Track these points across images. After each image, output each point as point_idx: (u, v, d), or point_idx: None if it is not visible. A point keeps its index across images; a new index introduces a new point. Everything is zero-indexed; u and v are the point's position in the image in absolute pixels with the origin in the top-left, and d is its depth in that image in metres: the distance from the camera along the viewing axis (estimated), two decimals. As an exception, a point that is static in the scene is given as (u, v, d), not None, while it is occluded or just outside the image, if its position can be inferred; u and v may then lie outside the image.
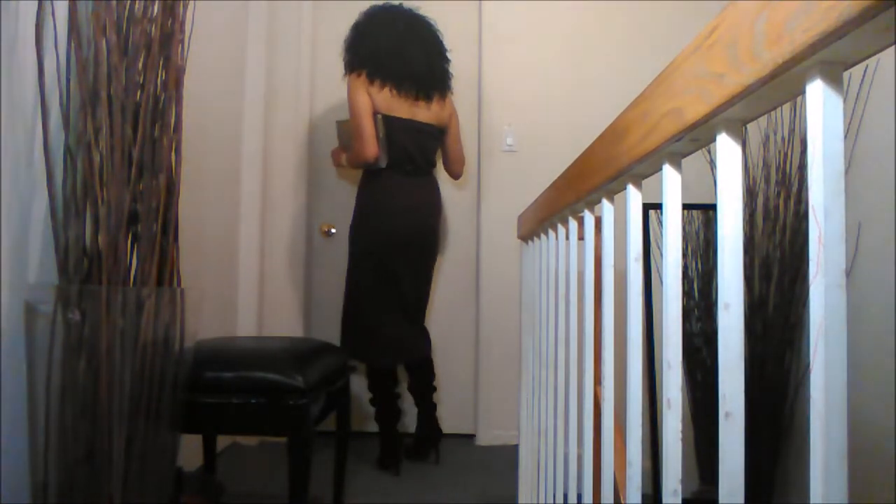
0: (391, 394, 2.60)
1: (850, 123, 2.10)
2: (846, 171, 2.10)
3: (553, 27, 3.11)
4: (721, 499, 0.48)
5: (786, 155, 2.44)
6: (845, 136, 0.83)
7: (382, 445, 2.60)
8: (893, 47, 1.16)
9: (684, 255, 2.54)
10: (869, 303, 1.95)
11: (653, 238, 2.64)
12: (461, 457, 2.77)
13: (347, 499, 2.18)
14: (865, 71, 2.06)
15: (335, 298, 3.09)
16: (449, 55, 2.66)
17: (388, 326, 2.53)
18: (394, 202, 2.52)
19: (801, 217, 2.35)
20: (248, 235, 2.95)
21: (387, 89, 2.49)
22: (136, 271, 1.37)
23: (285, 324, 3.06)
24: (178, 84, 1.46)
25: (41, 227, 1.42)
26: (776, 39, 0.37)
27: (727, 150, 0.49)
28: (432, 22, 2.63)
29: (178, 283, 1.47)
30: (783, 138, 2.49)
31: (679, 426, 0.56)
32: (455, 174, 2.82)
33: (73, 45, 1.38)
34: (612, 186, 0.78)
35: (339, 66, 2.81)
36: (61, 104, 1.40)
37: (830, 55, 0.35)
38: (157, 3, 1.43)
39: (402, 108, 2.52)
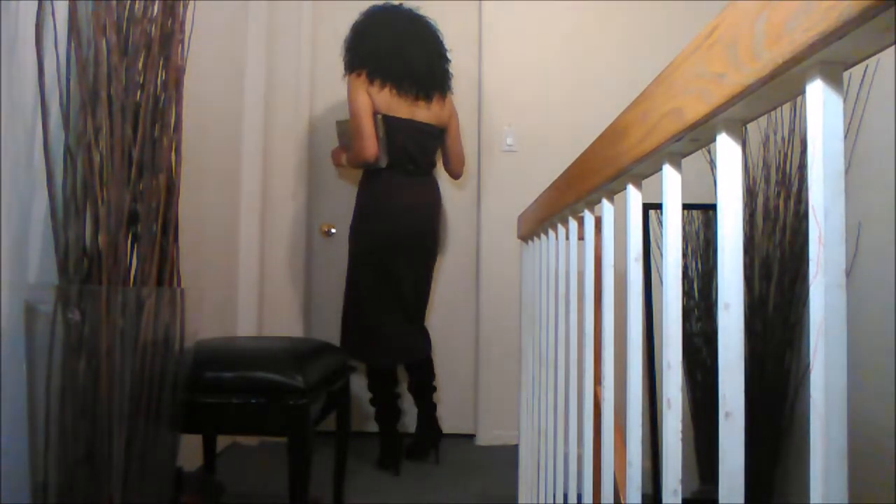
0: (391, 394, 2.60)
1: (850, 123, 2.10)
2: (846, 171, 2.10)
3: (553, 27, 3.11)
4: (721, 499, 0.48)
5: (786, 155, 2.44)
6: (845, 136, 0.83)
7: (382, 445, 2.60)
8: (893, 47, 1.16)
9: (684, 255, 2.54)
10: (869, 303, 1.95)
11: (653, 238, 2.64)
12: (461, 457, 2.77)
13: (347, 499, 2.18)
14: (865, 71, 2.06)
15: (335, 298, 3.09)
16: (449, 55, 2.66)
17: (388, 326, 2.53)
18: (394, 202, 2.52)
19: (801, 217, 2.35)
20: (248, 235, 2.95)
21: (387, 89, 2.49)
22: (136, 271, 1.37)
23: (285, 324, 3.06)
24: (178, 84, 1.46)
25: (41, 227, 1.42)
26: (776, 39, 0.37)
27: (727, 150, 0.49)
28: (432, 22, 2.63)
29: (178, 283, 1.47)
30: (783, 138, 2.49)
31: (679, 426, 0.56)
32: (455, 174, 2.82)
33: (73, 45, 1.38)
34: (612, 186, 0.78)
35: (338, 66, 2.81)
36: (61, 104, 1.40)
37: (830, 55, 0.35)
38: (157, 3, 1.43)
39: (402, 108, 2.52)
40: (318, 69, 3.20)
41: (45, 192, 1.38)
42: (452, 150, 2.74)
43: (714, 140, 0.51)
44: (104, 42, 1.36)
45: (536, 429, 1.38)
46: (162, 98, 1.43)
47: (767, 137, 2.64)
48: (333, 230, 3.15)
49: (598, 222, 1.14)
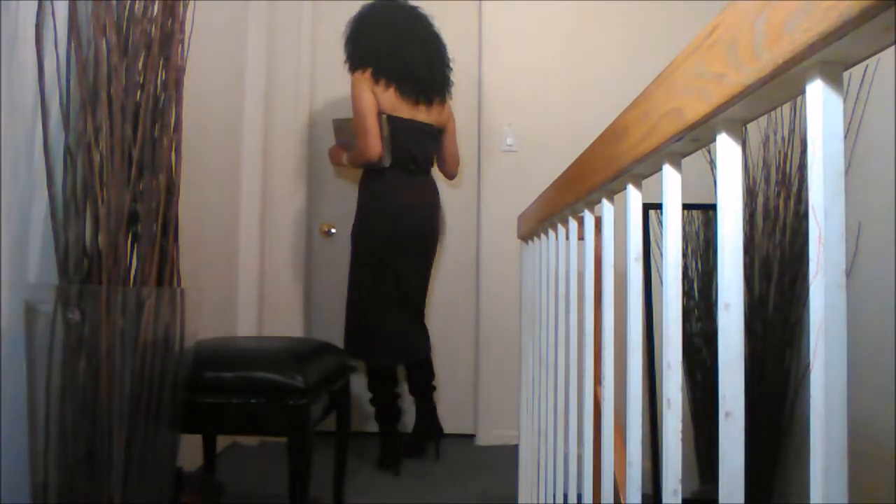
0: (391, 394, 2.60)
1: (850, 123, 2.10)
2: (846, 171, 2.10)
3: (553, 27, 3.11)
4: (721, 499, 0.48)
5: (786, 155, 2.44)
6: (845, 136, 0.83)
7: (382, 445, 2.60)
8: (893, 47, 1.16)
9: (684, 255, 2.54)
10: (869, 303, 1.95)
11: (653, 238, 2.64)
12: (461, 457, 2.77)
13: (347, 499, 2.18)
14: (865, 71, 2.06)
15: (335, 298, 3.09)
16: (450, 57, 2.66)
17: (390, 326, 2.53)
18: (397, 202, 2.52)
19: (801, 217, 2.35)
20: (248, 235, 2.95)
21: (392, 89, 2.49)
22: (136, 271, 1.37)
23: (285, 324, 3.06)
24: (178, 84, 1.46)
25: (41, 227, 1.42)
26: (776, 39, 0.37)
27: (727, 150, 0.49)
28: (430, 18, 2.63)
29: (178, 283, 1.47)
30: (783, 138, 2.49)
31: (679, 426, 0.56)
32: (450, 175, 2.82)
33: (73, 45, 1.38)
34: (612, 186, 0.78)
35: (338, 66, 2.81)
36: (61, 104, 1.40)
37: (830, 55, 0.35)
38: (157, 3, 1.43)
39: (405, 109, 2.52)
40: (318, 69, 3.20)
41: (45, 192, 1.38)
42: (449, 151, 2.75)
43: (714, 140, 0.51)
44: (104, 42, 1.36)
45: (536, 429, 1.38)
46: (162, 98, 1.43)
47: (767, 137, 2.64)
48: (333, 230, 3.15)
49: (598, 222, 1.14)
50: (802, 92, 0.39)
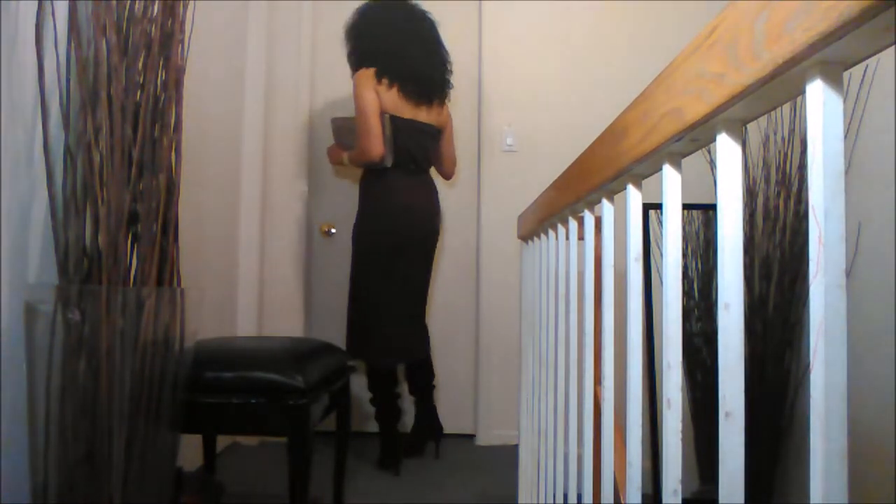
0: (391, 394, 2.60)
1: (850, 123, 2.10)
2: (846, 171, 2.10)
3: (553, 27, 3.11)
4: (721, 499, 0.48)
5: (786, 155, 2.44)
6: (845, 136, 0.83)
7: (382, 445, 2.60)
8: (893, 47, 1.16)
9: (684, 255, 2.54)
10: (869, 303, 1.95)
11: (653, 238, 2.64)
12: (461, 457, 2.77)
13: (347, 499, 2.18)
14: (865, 71, 2.06)
15: (335, 298, 3.09)
16: (450, 59, 2.66)
17: (391, 326, 2.53)
18: (399, 201, 2.52)
19: (801, 217, 2.35)
20: (248, 235, 2.95)
21: (395, 89, 2.49)
22: (136, 271, 1.37)
23: (285, 324, 3.06)
24: (178, 84, 1.46)
25: (41, 227, 1.42)
26: (776, 39, 0.37)
27: (727, 150, 0.49)
28: (434, 20, 2.63)
29: (178, 283, 1.47)
30: (783, 138, 2.49)
31: (679, 426, 0.56)
32: (447, 175, 2.83)
33: (73, 45, 1.38)
34: (612, 186, 0.78)
35: (338, 66, 2.81)
36: (61, 104, 1.40)
37: (830, 55, 0.35)
38: (157, 3, 1.43)
39: (407, 109, 2.52)
40: (318, 69, 3.20)
41: (45, 192, 1.38)
42: (446, 151, 2.75)
43: (714, 140, 0.51)
44: (104, 42, 1.36)
45: (536, 429, 1.38)
46: (162, 98, 1.43)
47: (767, 137, 2.64)
48: (333, 230, 3.15)
49: (598, 222, 1.14)
50: (802, 92, 0.39)
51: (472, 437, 3.06)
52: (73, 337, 1.26)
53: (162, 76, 1.43)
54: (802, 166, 2.38)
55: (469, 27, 3.17)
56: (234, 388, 1.56)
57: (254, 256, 2.97)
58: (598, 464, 1.36)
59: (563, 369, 1.10)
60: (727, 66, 0.43)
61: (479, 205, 3.11)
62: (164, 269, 1.42)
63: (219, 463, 2.55)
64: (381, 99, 2.47)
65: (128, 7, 1.40)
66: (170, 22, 1.44)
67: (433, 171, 2.80)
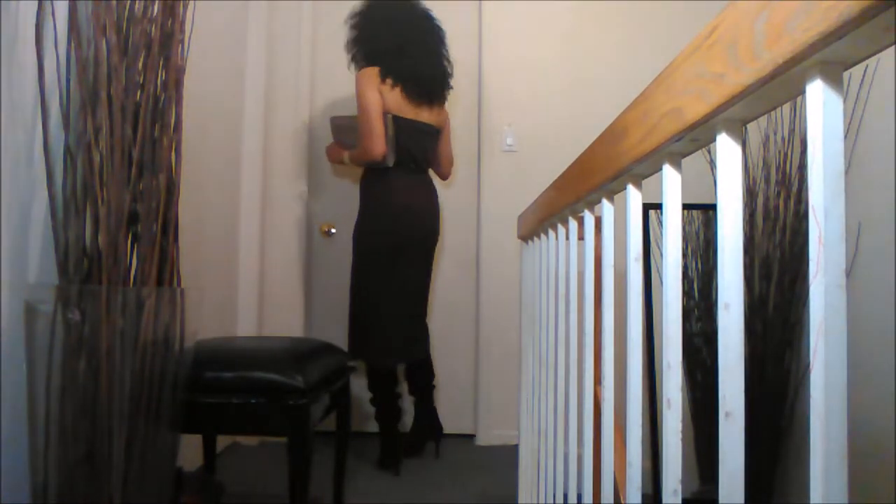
0: (391, 394, 2.60)
1: (850, 123, 2.10)
2: (846, 171, 2.10)
3: (553, 27, 3.11)
4: (721, 499, 0.48)
5: (786, 155, 2.44)
6: (845, 136, 0.83)
7: (382, 445, 2.60)
8: (893, 47, 1.16)
9: (684, 255, 2.54)
10: (869, 303, 1.95)
11: (653, 238, 2.64)
12: (461, 457, 2.77)
13: (347, 499, 2.18)
14: (865, 71, 2.06)
15: (335, 298, 3.09)
16: (451, 58, 2.66)
17: (392, 326, 2.53)
18: (400, 201, 2.52)
19: (801, 217, 2.35)
20: (248, 235, 2.95)
21: (398, 89, 2.48)
22: (136, 271, 1.37)
23: (285, 324, 3.06)
24: (178, 84, 1.46)
25: (41, 227, 1.42)
26: (776, 39, 0.37)
27: (727, 150, 0.49)
28: (435, 18, 2.63)
29: (178, 283, 1.47)
30: (783, 138, 2.49)
31: (679, 426, 0.56)
32: (444, 175, 2.83)
33: (73, 45, 1.38)
34: (612, 186, 0.78)
35: (338, 66, 2.81)
36: (61, 104, 1.40)
37: (830, 55, 0.35)
38: (157, 3, 1.43)
39: (409, 109, 2.52)
40: (318, 69, 3.20)
41: (45, 192, 1.38)
42: (444, 152, 2.75)
43: (714, 140, 0.51)
44: (104, 42, 1.36)
45: (536, 429, 1.38)
46: (162, 98, 1.43)
47: (767, 137, 2.64)
48: (333, 230, 3.15)
49: (598, 222, 1.14)
50: (802, 92, 0.39)
51: (472, 437, 3.06)
52: (73, 337, 1.26)
53: (162, 76, 1.43)
54: (802, 166, 2.38)
55: (469, 27, 3.17)
56: (234, 388, 1.56)
57: (254, 256, 2.97)
58: (598, 464, 1.37)
59: (563, 369, 1.10)
60: (727, 66, 0.43)
61: (479, 205, 3.11)
62: (164, 269, 1.42)
63: (219, 463, 2.55)
64: (384, 98, 2.46)
65: (128, 7, 1.40)
66: (170, 22, 1.44)
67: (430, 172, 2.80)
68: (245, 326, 2.93)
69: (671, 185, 0.59)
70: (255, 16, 2.98)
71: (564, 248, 1.08)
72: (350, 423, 2.07)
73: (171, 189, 1.44)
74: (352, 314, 2.59)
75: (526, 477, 1.60)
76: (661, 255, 1.15)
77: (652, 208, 2.54)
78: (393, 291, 2.53)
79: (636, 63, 3.04)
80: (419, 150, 2.58)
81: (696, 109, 0.48)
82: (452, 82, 2.68)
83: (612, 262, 0.83)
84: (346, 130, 2.68)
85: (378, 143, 2.43)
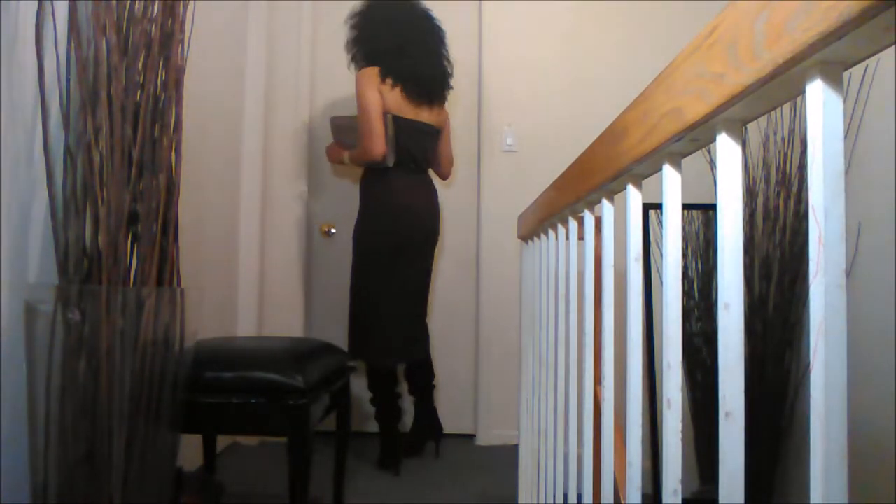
0: (391, 394, 2.60)
1: (850, 123, 2.10)
2: (846, 171, 2.10)
3: (553, 27, 3.11)
4: (721, 499, 0.48)
5: (786, 155, 2.44)
6: (845, 136, 0.83)
7: (382, 445, 2.60)
8: (893, 47, 1.16)
9: (684, 255, 2.54)
10: (869, 303, 1.95)
11: (653, 238, 2.64)
12: (461, 457, 2.77)
13: (347, 499, 2.18)
14: (865, 71, 2.06)
15: (335, 298, 3.09)
16: (451, 58, 2.66)
17: (392, 326, 2.53)
18: (400, 201, 2.52)
19: (801, 217, 2.35)
20: (248, 235, 2.95)
21: (398, 89, 2.48)
22: (136, 271, 1.37)
23: (285, 324, 3.06)
24: (178, 84, 1.46)
25: (41, 227, 1.42)
26: (776, 39, 0.37)
27: (727, 150, 0.49)
28: (435, 18, 2.63)
29: (178, 283, 1.47)
30: (783, 138, 2.49)
31: (679, 426, 0.56)
32: (444, 175, 2.83)
33: (73, 45, 1.38)
34: (612, 186, 0.78)
35: (338, 66, 2.81)
36: (61, 104, 1.40)
37: (830, 55, 0.35)
38: (157, 3, 1.43)
39: (409, 109, 2.52)
40: (318, 69, 3.20)
41: (45, 192, 1.38)
42: (444, 152, 2.75)
43: (714, 140, 0.51)
44: (104, 42, 1.36)
45: (536, 429, 1.38)
46: (162, 98, 1.43)
47: (767, 137, 2.64)
48: (333, 230, 3.15)
49: (598, 222, 1.14)
50: (802, 92, 0.39)
51: (472, 437, 3.06)
52: (73, 337, 1.26)
53: (162, 76, 1.43)
54: (802, 166, 2.38)
55: (469, 27, 3.17)
56: (234, 388, 1.56)
57: (254, 256, 2.97)
58: (598, 464, 1.37)
59: (563, 369, 1.10)
60: (727, 66, 0.43)
61: (479, 205, 3.11)
62: (164, 269, 1.42)
63: (219, 463, 2.55)
64: (385, 98, 2.46)
65: (128, 7, 1.40)
66: (170, 22, 1.44)
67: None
68: (245, 326, 2.93)
69: (671, 185, 0.59)
70: (255, 16, 2.98)
71: (564, 248, 1.08)
72: (350, 423, 2.07)
73: (171, 189, 1.44)
74: (352, 314, 2.59)
75: (526, 477, 1.60)
76: (661, 255, 1.15)
77: (652, 208, 2.54)
78: (393, 291, 2.53)
79: (636, 63, 3.04)
80: (419, 150, 2.58)
81: (696, 109, 0.48)
82: (452, 82, 2.68)
83: (612, 262, 0.83)
84: (346, 130, 2.68)
85: (378, 143, 2.43)
